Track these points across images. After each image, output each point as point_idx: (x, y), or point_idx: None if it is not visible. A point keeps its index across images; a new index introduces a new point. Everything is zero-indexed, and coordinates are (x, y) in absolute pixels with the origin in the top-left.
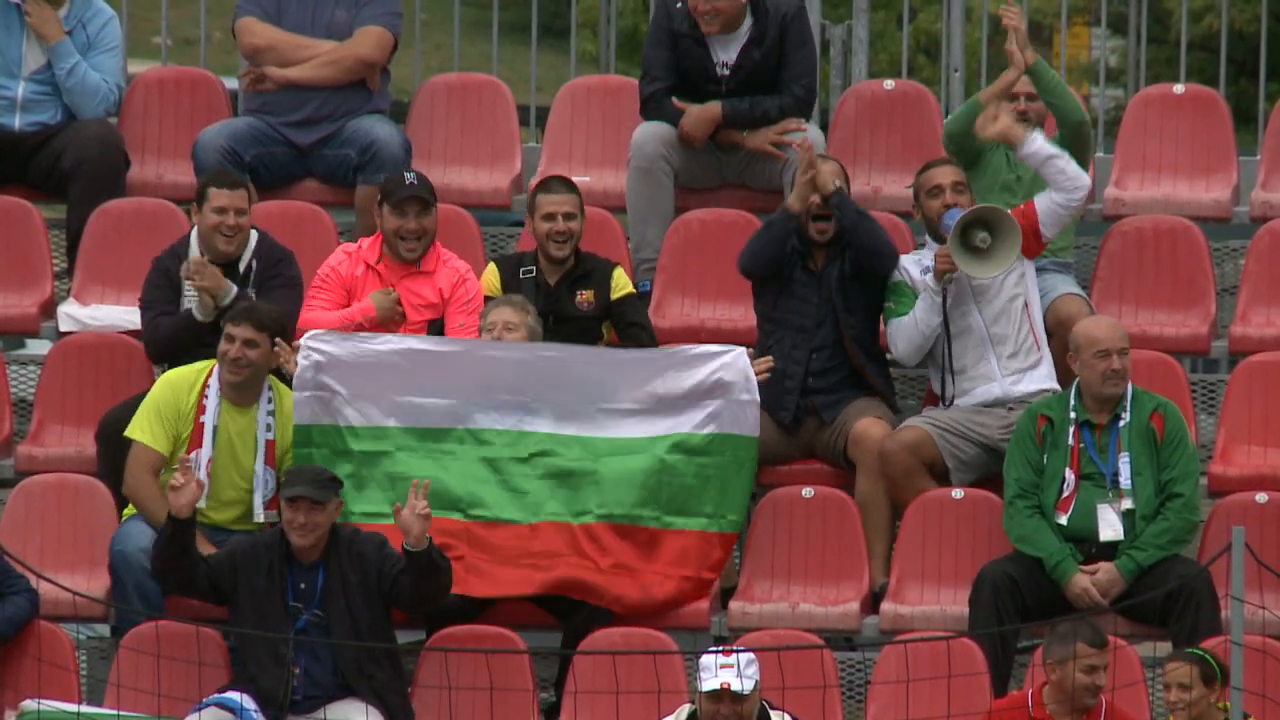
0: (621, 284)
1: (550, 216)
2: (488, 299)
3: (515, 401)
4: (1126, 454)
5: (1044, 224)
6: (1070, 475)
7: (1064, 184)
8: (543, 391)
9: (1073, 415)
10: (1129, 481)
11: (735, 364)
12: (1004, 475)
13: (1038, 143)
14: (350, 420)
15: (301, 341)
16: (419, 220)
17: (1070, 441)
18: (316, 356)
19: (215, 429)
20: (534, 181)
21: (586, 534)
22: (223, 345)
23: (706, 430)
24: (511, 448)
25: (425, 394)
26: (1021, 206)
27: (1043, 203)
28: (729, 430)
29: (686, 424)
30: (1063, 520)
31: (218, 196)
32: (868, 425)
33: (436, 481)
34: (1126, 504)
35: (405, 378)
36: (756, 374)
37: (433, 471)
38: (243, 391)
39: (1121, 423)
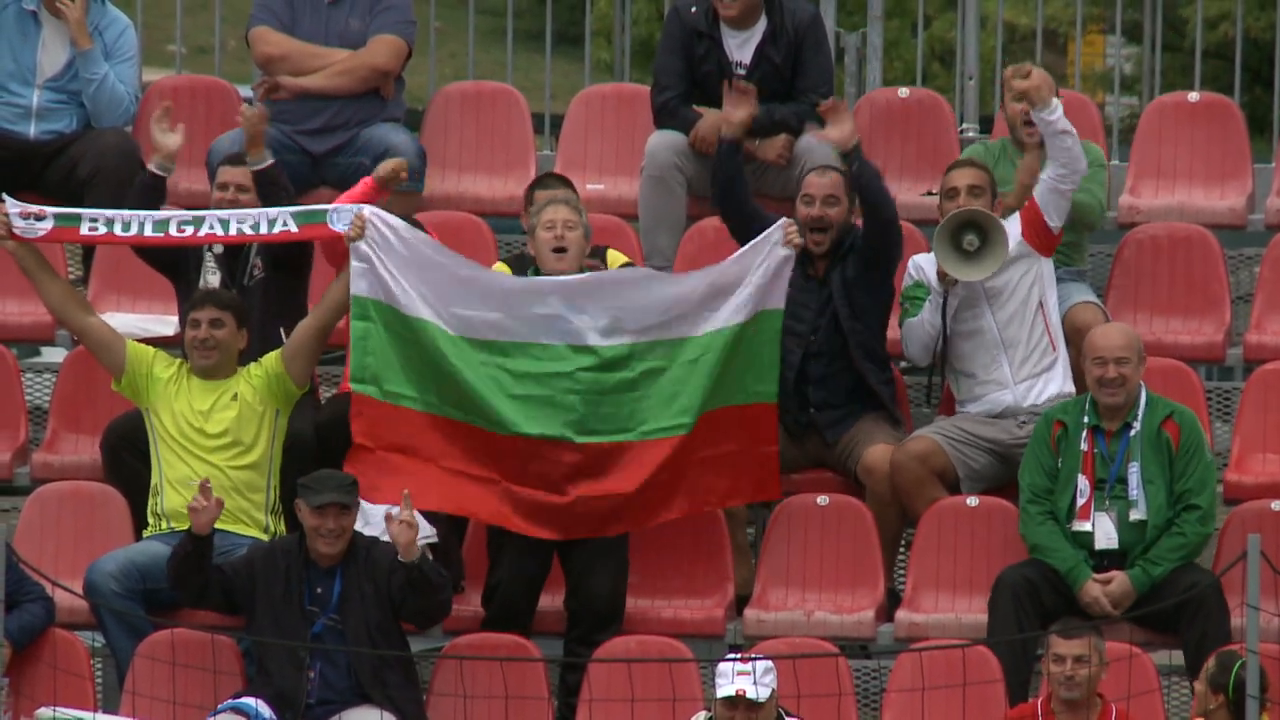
0: (616, 261)
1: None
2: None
3: (562, 317)
4: (1136, 464)
5: (1046, 210)
6: (1084, 482)
7: (1066, 160)
8: (593, 307)
9: (1085, 420)
10: (1137, 491)
11: (777, 245)
12: (1018, 480)
13: (1059, 112)
14: (404, 306)
15: (365, 211)
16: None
17: (1083, 447)
18: (377, 232)
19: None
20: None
21: (641, 450)
22: (189, 332)
23: (747, 316)
24: (559, 362)
25: (470, 306)
26: (1026, 204)
27: (1041, 190)
28: (763, 307)
29: (735, 316)
30: (1084, 526)
31: (222, 174)
32: (880, 455)
33: (474, 391)
34: (1137, 514)
35: (451, 285)
36: (792, 244)
37: (475, 381)
38: (214, 372)
39: (1132, 432)
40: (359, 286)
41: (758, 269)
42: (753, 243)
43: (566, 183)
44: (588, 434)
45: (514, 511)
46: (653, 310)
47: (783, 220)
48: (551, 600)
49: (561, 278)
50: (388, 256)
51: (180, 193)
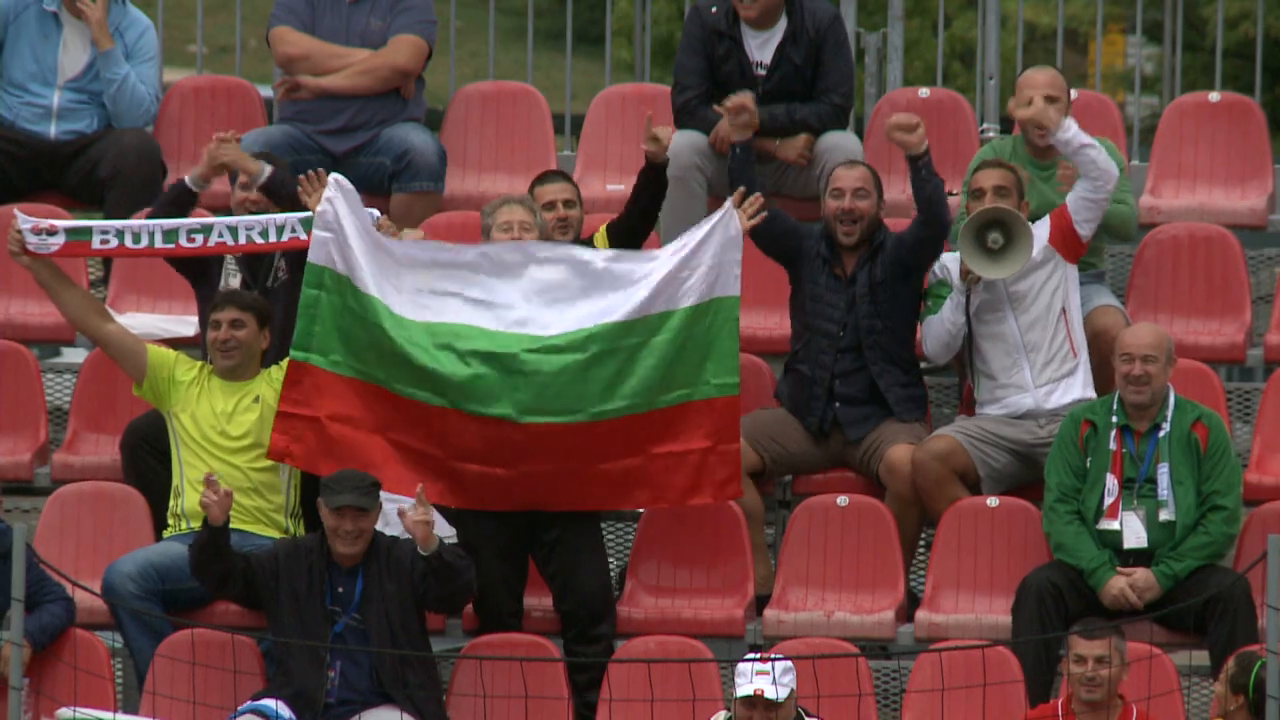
0: (601, 239)
1: (550, 205)
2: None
3: (511, 304)
4: (1165, 464)
5: (1077, 219)
6: (1113, 481)
7: (1094, 174)
8: (540, 292)
9: (1114, 420)
10: (1166, 492)
11: (726, 223)
12: (1045, 479)
13: (1072, 130)
14: (357, 280)
15: (330, 179)
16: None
17: (1112, 446)
18: (340, 201)
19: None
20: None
21: (588, 432)
22: (210, 333)
23: (698, 300)
24: (507, 345)
25: (422, 284)
26: (1056, 210)
27: (1073, 199)
28: (717, 293)
29: (685, 298)
30: (1112, 525)
31: (241, 175)
32: (902, 454)
33: (419, 368)
34: (1166, 515)
35: (405, 262)
36: (749, 218)
37: (424, 362)
38: (236, 374)
39: (1162, 433)
40: (316, 254)
41: (707, 251)
42: (698, 225)
43: (566, 177)
44: (532, 414)
45: (458, 487)
46: (604, 294)
47: (730, 200)
48: (551, 603)
49: (518, 244)
50: (349, 229)
51: (202, 192)
